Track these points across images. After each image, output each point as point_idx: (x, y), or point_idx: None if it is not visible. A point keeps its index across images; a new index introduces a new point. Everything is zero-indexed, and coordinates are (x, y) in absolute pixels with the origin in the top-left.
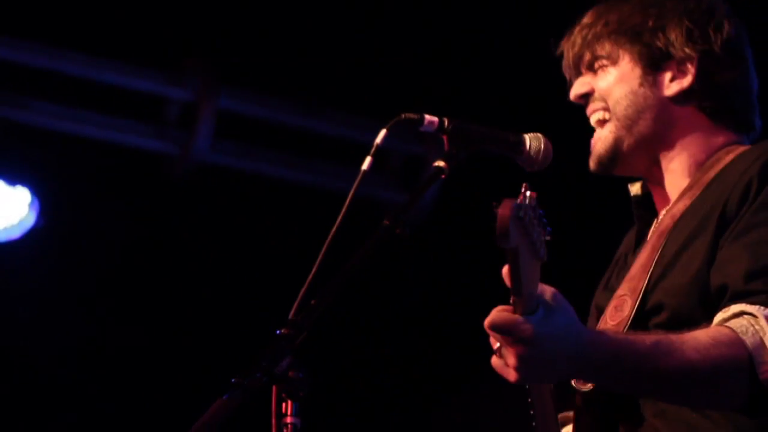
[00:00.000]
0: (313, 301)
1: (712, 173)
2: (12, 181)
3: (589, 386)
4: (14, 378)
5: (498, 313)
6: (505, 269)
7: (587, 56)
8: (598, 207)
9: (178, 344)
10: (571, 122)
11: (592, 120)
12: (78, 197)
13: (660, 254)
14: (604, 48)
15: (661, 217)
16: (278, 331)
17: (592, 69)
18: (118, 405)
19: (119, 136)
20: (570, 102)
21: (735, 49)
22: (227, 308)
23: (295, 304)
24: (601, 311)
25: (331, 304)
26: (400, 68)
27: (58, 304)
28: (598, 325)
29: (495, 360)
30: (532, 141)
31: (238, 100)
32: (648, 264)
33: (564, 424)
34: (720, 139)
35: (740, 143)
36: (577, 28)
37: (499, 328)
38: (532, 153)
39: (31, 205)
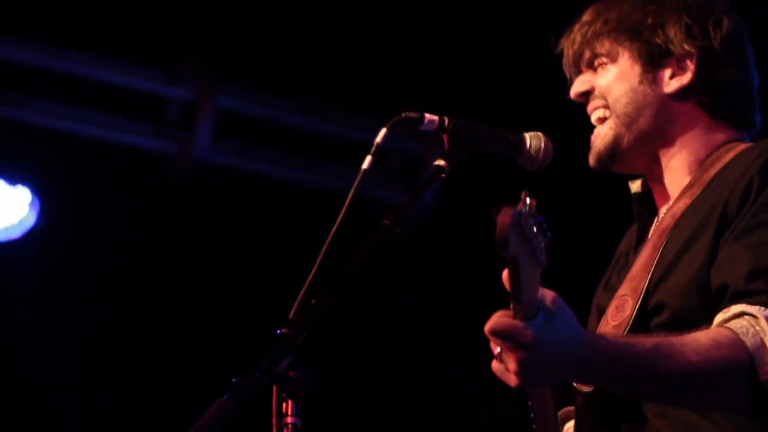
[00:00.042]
0: (313, 301)
1: (712, 171)
2: (12, 180)
3: (590, 387)
4: (14, 378)
5: (498, 319)
6: (505, 274)
7: (587, 54)
8: (598, 205)
9: (179, 344)
10: (571, 121)
11: (593, 118)
12: (78, 197)
13: (661, 254)
14: (604, 46)
15: (661, 215)
16: (278, 331)
17: (592, 67)
18: (118, 405)
19: (119, 135)
20: (570, 100)
21: (735, 45)
22: (227, 308)
23: (296, 304)
24: (602, 311)
25: (332, 304)
26: (400, 68)
27: (58, 304)
28: (600, 325)
29: (495, 365)
30: (533, 140)
31: (238, 99)
32: (649, 263)
33: (565, 420)
34: (720, 136)
35: (741, 140)
36: (577, 26)
37: (499, 333)
38: (532, 152)
39: (31, 204)
